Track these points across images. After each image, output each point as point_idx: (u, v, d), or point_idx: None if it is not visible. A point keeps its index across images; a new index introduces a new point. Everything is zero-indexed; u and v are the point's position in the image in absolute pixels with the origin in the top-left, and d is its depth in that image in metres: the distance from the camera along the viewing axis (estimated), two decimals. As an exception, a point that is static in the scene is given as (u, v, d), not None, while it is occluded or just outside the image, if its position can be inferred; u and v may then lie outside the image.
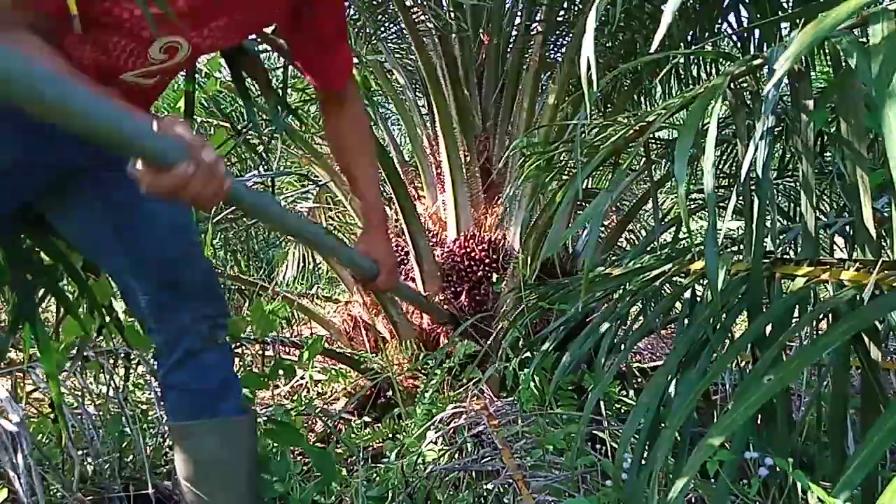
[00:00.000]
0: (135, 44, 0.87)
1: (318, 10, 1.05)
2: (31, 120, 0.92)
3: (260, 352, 1.99)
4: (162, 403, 1.16)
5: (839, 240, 1.39)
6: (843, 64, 0.80)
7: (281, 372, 1.68)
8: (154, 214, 1.03)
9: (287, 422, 1.44)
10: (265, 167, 3.07)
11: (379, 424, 1.88)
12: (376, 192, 1.24)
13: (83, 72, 0.85)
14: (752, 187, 0.90)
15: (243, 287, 3.11)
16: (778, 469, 0.77)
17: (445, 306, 2.12)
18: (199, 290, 1.07)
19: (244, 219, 3.21)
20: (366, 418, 2.06)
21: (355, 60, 2.43)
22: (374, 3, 2.65)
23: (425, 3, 2.20)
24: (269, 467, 1.40)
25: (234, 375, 1.14)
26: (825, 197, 2.12)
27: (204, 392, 1.07)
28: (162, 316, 1.05)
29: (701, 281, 1.04)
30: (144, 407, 1.85)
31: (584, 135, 1.39)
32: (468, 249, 2.18)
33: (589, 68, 0.76)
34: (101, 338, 1.54)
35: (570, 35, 2.40)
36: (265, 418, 1.54)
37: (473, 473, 1.34)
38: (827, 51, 0.92)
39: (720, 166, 2.70)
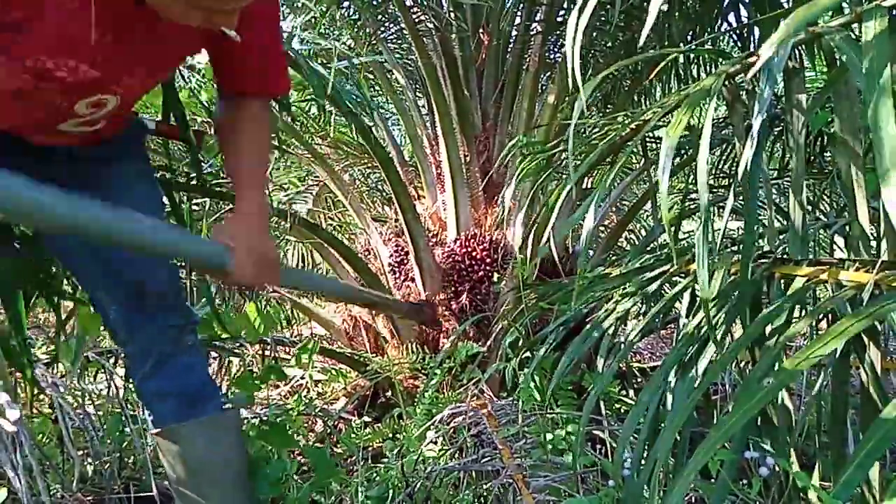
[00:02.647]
0: (56, 104, 0.87)
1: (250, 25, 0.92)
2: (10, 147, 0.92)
3: (260, 352, 2.00)
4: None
5: (839, 240, 1.38)
6: (838, 62, 0.80)
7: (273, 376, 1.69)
8: None
9: (278, 423, 1.45)
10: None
11: (379, 424, 1.88)
12: (257, 179, 1.05)
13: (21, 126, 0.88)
14: (748, 185, 0.89)
15: (243, 287, 3.10)
16: (778, 469, 0.77)
17: (437, 304, 2.11)
18: (164, 302, 1.08)
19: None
20: (366, 418, 2.06)
21: (356, 62, 2.43)
22: (374, 3, 2.65)
23: (425, 3, 2.20)
24: (266, 467, 1.40)
25: (209, 375, 1.16)
26: (825, 197, 2.12)
27: (182, 395, 1.09)
28: (131, 327, 1.07)
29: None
30: (144, 407, 1.85)
31: (582, 134, 1.39)
32: (469, 249, 2.18)
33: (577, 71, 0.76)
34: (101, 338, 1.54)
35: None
36: (260, 419, 1.54)
37: (473, 473, 1.34)
38: (823, 50, 0.92)
39: (719, 166, 2.70)
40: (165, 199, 1.47)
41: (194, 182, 1.64)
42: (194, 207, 2.22)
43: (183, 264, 1.22)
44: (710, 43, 2.10)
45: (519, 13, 2.54)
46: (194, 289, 1.84)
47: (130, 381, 1.19)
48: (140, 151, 1.13)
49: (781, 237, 1.13)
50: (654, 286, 1.19)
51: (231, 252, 0.95)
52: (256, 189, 1.05)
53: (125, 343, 1.09)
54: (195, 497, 1.07)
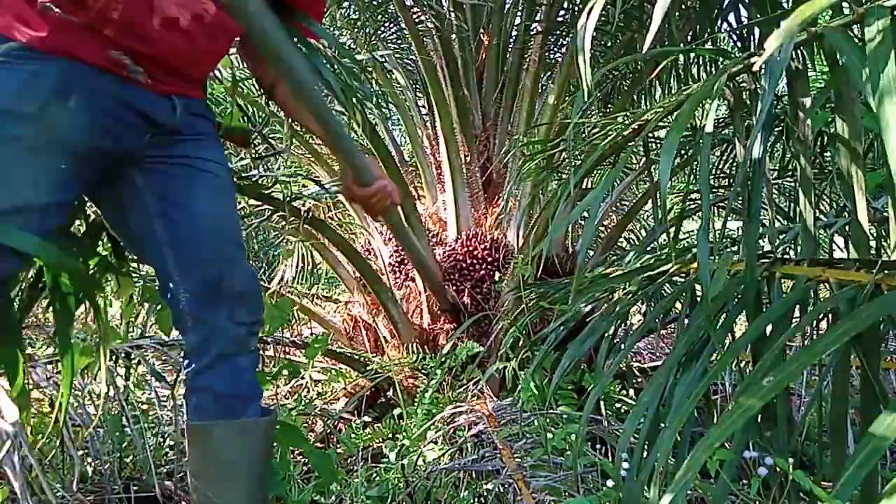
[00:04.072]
0: None
1: None
2: (119, 106, 0.93)
3: (260, 351, 1.99)
4: (169, 402, 1.17)
5: (839, 240, 1.38)
6: (840, 62, 0.80)
7: (285, 372, 1.69)
8: (204, 215, 1.04)
9: (291, 423, 1.44)
10: (266, 167, 3.07)
11: (379, 424, 1.88)
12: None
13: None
14: (750, 186, 0.89)
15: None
16: (778, 469, 0.77)
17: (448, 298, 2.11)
18: (239, 294, 1.07)
19: (245, 220, 3.21)
20: (366, 418, 2.06)
21: (359, 57, 2.42)
22: (375, 3, 2.65)
23: (425, 2, 2.20)
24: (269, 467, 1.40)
25: (256, 377, 1.15)
26: (825, 197, 2.12)
27: (232, 396, 1.07)
28: (201, 314, 1.06)
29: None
30: (144, 407, 1.85)
31: (583, 134, 1.39)
32: (469, 248, 2.18)
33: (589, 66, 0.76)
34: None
35: (570, 35, 2.40)
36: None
37: (473, 473, 1.34)
38: (824, 50, 0.92)
39: (720, 166, 2.70)
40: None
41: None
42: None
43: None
44: (710, 43, 2.10)
45: (519, 13, 2.54)
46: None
47: (131, 378, 1.20)
48: (218, 140, 1.15)
49: (782, 237, 1.13)
50: (653, 286, 1.19)
51: (375, 177, 1.20)
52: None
53: (189, 332, 1.08)
54: (212, 495, 1.07)
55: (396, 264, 2.38)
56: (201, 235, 1.04)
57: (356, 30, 2.77)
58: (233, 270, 1.07)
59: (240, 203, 2.91)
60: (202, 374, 1.07)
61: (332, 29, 2.92)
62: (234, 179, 1.58)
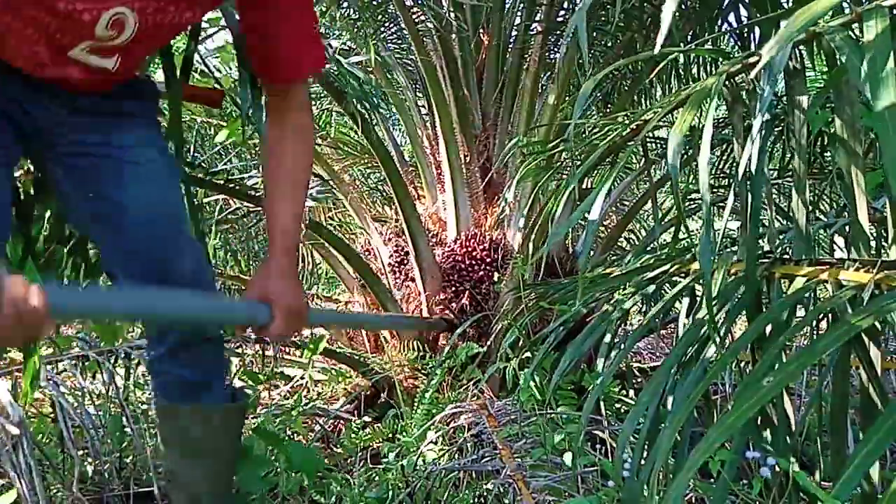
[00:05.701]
0: (79, 16, 0.80)
1: None
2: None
3: (260, 351, 2.00)
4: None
5: (839, 240, 1.39)
6: (839, 62, 0.80)
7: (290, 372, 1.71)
8: (138, 205, 0.98)
9: (265, 430, 1.47)
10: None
11: (379, 424, 1.88)
12: (294, 225, 1.00)
13: (27, 46, 0.81)
14: (749, 186, 0.89)
15: (243, 287, 3.10)
16: (778, 469, 0.77)
17: (443, 308, 2.12)
18: (186, 284, 1.01)
19: (244, 219, 3.21)
20: (366, 418, 2.06)
21: (357, 59, 2.42)
22: (374, 2, 2.65)
23: (425, 2, 2.20)
24: (254, 462, 1.42)
25: (224, 364, 1.17)
26: (825, 197, 2.12)
27: (192, 381, 1.09)
28: None
29: (701, 281, 1.04)
30: (144, 407, 1.85)
31: (583, 134, 1.39)
32: (469, 249, 2.18)
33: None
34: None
35: (570, 35, 2.40)
36: (257, 423, 1.55)
37: (473, 473, 1.34)
38: (823, 50, 0.92)
39: (720, 166, 2.70)
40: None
41: (211, 178, 1.65)
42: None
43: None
44: (710, 43, 2.10)
45: (519, 13, 2.54)
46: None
47: (131, 378, 1.21)
48: (152, 119, 1.07)
49: (781, 237, 1.13)
50: (653, 286, 1.19)
51: (272, 311, 0.93)
52: (292, 234, 1.00)
53: (144, 322, 1.11)
54: (177, 470, 1.11)
55: (396, 264, 2.37)
56: (136, 229, 0.98)
57: (356, 30, 2.77)
58: (177, 259, 1.01)
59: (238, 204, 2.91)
60: (161, 361, 1.09)
61: (331, 29, 2.92)
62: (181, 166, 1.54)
